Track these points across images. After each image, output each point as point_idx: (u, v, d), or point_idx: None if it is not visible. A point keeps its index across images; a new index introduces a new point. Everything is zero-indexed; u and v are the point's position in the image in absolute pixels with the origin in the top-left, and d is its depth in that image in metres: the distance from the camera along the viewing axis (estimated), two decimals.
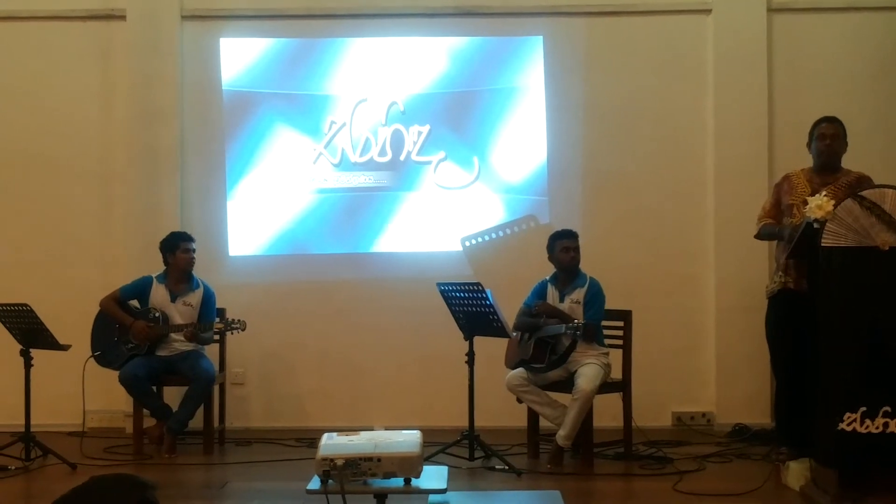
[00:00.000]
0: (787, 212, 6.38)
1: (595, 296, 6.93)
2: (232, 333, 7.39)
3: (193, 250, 7.47)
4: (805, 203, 5.75)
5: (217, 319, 7.52)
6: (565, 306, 6.93)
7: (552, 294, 7.04)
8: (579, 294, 6.94)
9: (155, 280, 7.44)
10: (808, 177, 6.33)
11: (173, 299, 7.37)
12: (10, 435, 7.01)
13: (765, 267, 8.00)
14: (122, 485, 2.73)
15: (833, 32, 8.26)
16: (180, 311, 7.38)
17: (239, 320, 7.23)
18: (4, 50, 8.45)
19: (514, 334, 6.97)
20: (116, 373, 7.21)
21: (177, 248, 7.41)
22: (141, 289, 7.44)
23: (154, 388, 7.36)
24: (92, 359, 7.28)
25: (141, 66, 8.28)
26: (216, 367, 7.49)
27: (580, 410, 6.65)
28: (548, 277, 7.11)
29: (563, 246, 7.01)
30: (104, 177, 8.41)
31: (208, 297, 7.49)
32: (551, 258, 7.08)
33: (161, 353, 7.34)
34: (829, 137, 6.33)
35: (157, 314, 7.31)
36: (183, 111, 8.35)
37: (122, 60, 8.36)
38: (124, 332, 7.31)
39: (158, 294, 7.40)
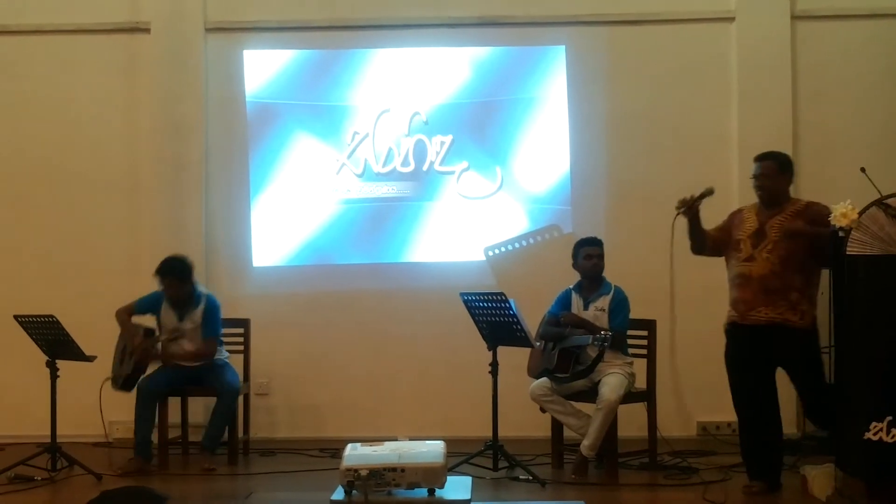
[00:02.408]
0: (735, 246, 6.17)
1: (620, 304, 6.92)
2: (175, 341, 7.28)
3: (177, 285, 7.24)
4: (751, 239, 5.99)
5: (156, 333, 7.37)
6: (589, 314, 6.91)
7: (576, 302, 7.02)
8: (604, 302, 6.92)
9: (165, 299, 7.37)
10: (756, 211, 6.15)
11: (181, 318, 7.31)
12: (37, 446, 7.05)
13: None
14: (135, 498, 2.74)
15: (857, 39, 8.22)
16: (188, 329, 7.31)
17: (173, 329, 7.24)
18: (31, 63, 8.52)
19: (538, 344, 6.96)
20: (137, 384, 7.21)
21: (161, 282, 7.27)
22: (153, 303, 7.37)
23: (179, 399, 7.39)
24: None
25: (165, 79, 8.33)
26: (240, 376, 7.49)
27: (604, 420, 6.63)
28: (572, 286, 7.10)
29: (586, 253, 7.01)
30: (130, 189, 8.46)
31: (208, 310, 7.33)
32: (575, 266, 7.07)
33: (183, 362, 7.33)
34: (759, 178, 6.13)
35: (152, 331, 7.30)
36: (207, 123, 8.39)
37: (147, 73, 8.41)
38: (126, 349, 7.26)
39: (167, 312, 7.34)
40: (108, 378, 7.22)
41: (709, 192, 6.14)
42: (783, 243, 5.93)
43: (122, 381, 7.17)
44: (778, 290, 5.94)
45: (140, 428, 7.11)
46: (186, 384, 7.33)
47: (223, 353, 7.48)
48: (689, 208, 6.15)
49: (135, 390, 7.19)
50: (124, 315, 7.34)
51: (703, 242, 6.30)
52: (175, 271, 7.23)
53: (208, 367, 7.30)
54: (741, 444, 6.37)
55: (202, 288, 7.45)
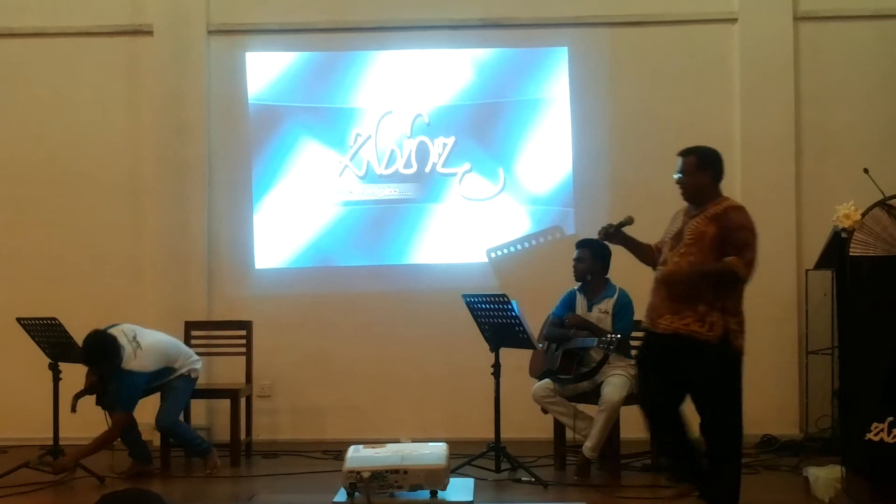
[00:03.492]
0: (659, 244, 5.89)
1: (624, 307, 6.90)
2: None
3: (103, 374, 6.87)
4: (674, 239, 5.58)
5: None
6: (593, 316, 6.91)
7: (581, 303, 7.02)
8: (608, 304, 6.91)
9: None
10: (686, 211, 5.79)
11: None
12: (39, 448, 7.06)
13: (793, 275, 7.97)
14: (137, 502, 2.72)
15: (860, 40, 8.21)
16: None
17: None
18: (34, 66, 8.53)
19: (541, 345, 6.96)
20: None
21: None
22: None
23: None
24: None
25: (168, 81, 8.34)
26: (244, 378, 7.44)
27: (607, 421, 6.63)
28: (577, 287, 7.10)
29: (574, 257, 7.04)
30: (132, 191, 8.47)
31: (122, 385, 6.85)
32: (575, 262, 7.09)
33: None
34: (679, 175, 5.73)
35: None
36: (210, 125, 8.40)
37: (150, 76, 8.42)
38: None
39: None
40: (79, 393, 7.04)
41: (628, 221, 5.84)
42: (695, 248, 5.45)
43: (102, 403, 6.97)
44: (684, 299, 5.42)
45: (127, 437, 7.01)
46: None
47: (192, 366, 7.17)
48: (608, 235, 5.87)
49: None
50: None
51: (648, 255, 5.88)
52: (84, 357, 6.79)
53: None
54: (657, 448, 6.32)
55: (131, 364, 6.85)
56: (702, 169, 5.61)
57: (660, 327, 5.51)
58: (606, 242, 6.15)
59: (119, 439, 6.95)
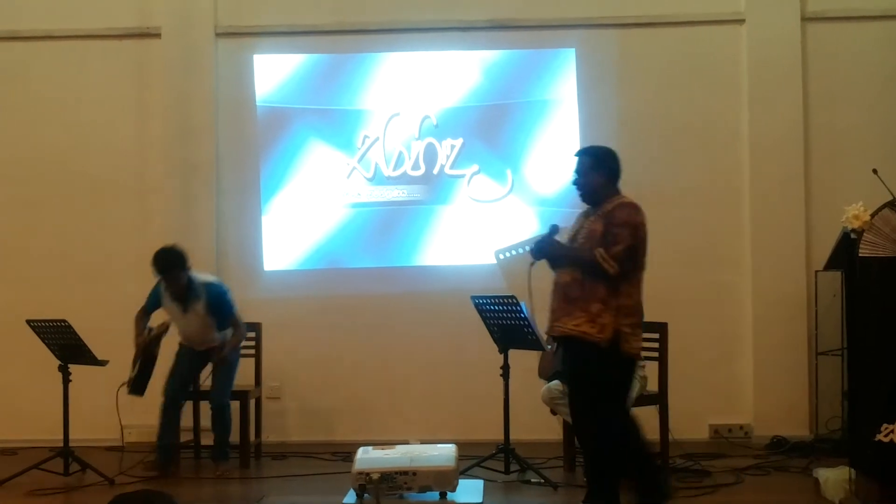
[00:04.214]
0: None
1: None
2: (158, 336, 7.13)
3: (175, 278, 7.08)
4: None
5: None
6: None
7: None
8: None
9: (162, 290, 7.26)
10: (584, 212, 5.78)
11: (184, 311, 7.20)
12: (49, 450, 7.06)
13: (802, 276, 7.96)
14: (149, 503, 2.73)
15: (868, 40, 8.19)
16: (193, 320, 7.21)
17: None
18: (42, 68, 8.55)
19: (549, 347, 6.95)
20: (153, 388, 7.21)
21: (160, 277, 7.14)
22: (156, 297, 7.28)
23: (192, 404, 7.42)
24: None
25: (176, 84, 8.35)
26: (254, 379, 7.45)
27: None
28: None
29: None
30: (141, 193, 8.48)
31: (213, 300, 7.19)
32: None
33: (193, 347, 7.30)
34: (574, 175, 5.76)
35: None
36: (218, 127, 8.41)
37: (158, 78, 8.43)
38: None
39: (170, 305, 7.23)
40: (124, 383, 7.21)
41: (164, 330, 5.88)
42: (587, 246, 5.44)
43: (131, 384, 7.10)
44: (578, 300, 5.41)
45: (164, 433, 7.16)
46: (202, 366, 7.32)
47: (236, 356, 7.40)
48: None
49: (158, 396, 7.20)
50: (137, 315, 7.29)
51: None
52: (157, 265, 7.07)
53: (213, 351, 7.23)
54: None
55: (204, 277, 7.30)
56: (597, 168, 5.63)
57: (557, 331, 5.54)
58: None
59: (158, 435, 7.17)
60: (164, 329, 7.17)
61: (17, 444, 7.98)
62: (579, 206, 8.14)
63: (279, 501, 6.41)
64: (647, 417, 6.92)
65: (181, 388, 7.26)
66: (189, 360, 7.31)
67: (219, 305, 7.21)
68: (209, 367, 7.28)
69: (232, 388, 7.29)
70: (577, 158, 5.71)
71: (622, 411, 5.49)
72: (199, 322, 7.23)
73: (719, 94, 8.28)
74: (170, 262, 7.06)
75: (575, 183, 5.69)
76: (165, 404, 7.20)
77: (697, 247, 8.21)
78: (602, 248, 5.33)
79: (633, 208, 5.51)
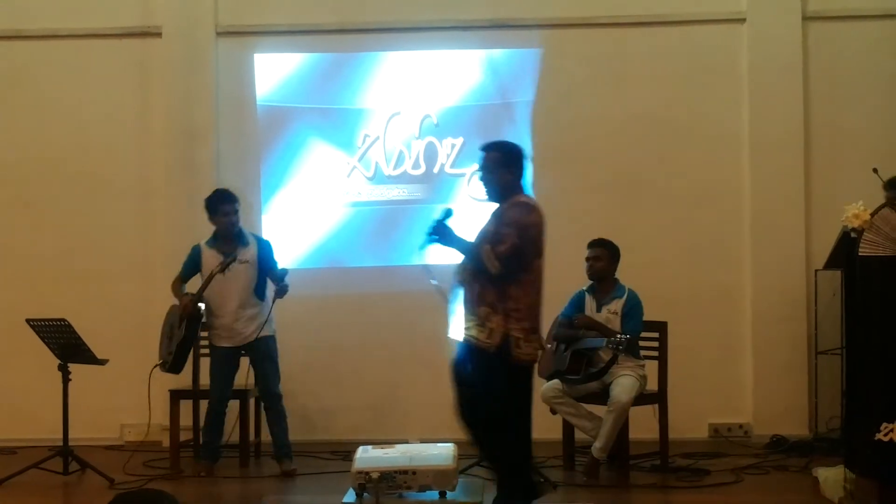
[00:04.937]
0: None
1: (634, 308, 6.90)
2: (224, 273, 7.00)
3: (235, 212, 7.14)
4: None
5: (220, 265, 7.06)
6: (602, 316, 6.90)
7: (589, 304, 7.01)
8: (617, 305, 6.90)
9: (204, 246, 7.21)
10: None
11: (226, 257, 7.06)
12: (49, 449, 7.07)
13: (802, 275, 7.96)
14: (151, 503, 2.74)
15: (869, 40, 8.19)
16: (237, 273, 7.09)
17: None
18: (43, 67, 8.55)
19: (549, 345, 6.95)
20: (149, 387, 7.19)
21: (217, 211, 7.13)
22: (194, 260, 7.23)
23: (191, 402, 7.39)
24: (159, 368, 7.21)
25: (177, 83, 8.35)
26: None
27: (615, 422, 6.62)
28: (585, 287, 7.09)
29: (586, 255, 7.01)
30: (142, 192, 8.48)
31: (263, 248, 7.21)
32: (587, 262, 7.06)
33: (224, 344, 7.16)
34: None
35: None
36: (219, 126, 8.41)
37: (159, 77, 8.44)
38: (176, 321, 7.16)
39: (210, 259, 7.13)
40: (157, 364, 7.17)
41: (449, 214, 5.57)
42: (476, 244, 5.35)
43: (169, 363, 7.07)
44: (469, 303, 5.33)
45: (209, 438, 7.13)
46: (236, 366, 7.23)
47: (272, 324, 7.28)
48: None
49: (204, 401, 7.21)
50: (175, 283, 7.24)
51: None
52: (216, 197, 7.16)
53: (250, 346, 7.18)
54: None
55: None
56: (507, 165, 5.43)
57: (457, 337, 5.43)
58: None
59: (203, 435, 7.18)
60: (224, 266, 6.99)
61: (17, 444, 7.98)
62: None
63: (279, 500, 6.42)
64: (646, 416, 6.96)
65: (225, 390, 7.16)
66: (226, 361, 7.19)
67: (269, 253, 7.20)
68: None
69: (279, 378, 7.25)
70: (483, 153, 5.49)
71: (514, 424, 5.29)
72: (242, 280, 7.10)
73: (720, 94, 8.28)
74: (228, 196, 7.14)
75: (482, 179, 5.49)
76: (212, 409, 7.14)
77: (697, 246, 8.20)
78: (488, 245, 5.23)
79: (526, 208, 5.34)
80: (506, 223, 5.27)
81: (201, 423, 7.49)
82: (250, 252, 7.16)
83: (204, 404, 7.41)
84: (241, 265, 7.09)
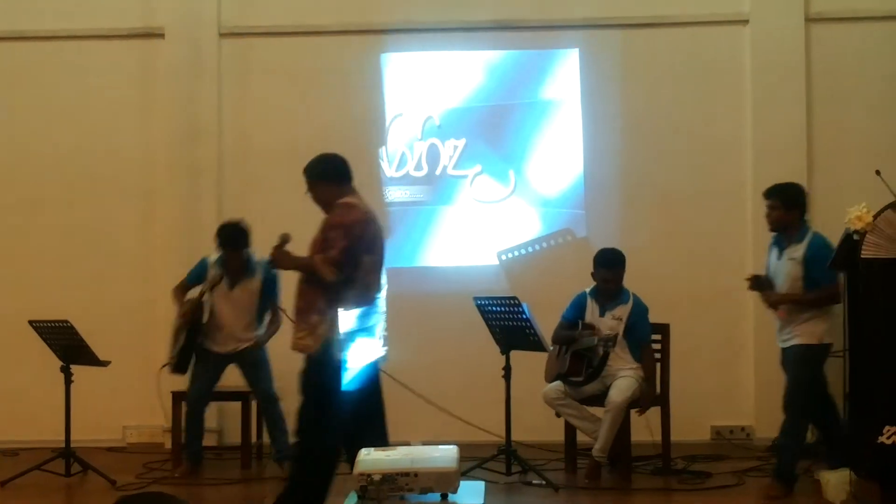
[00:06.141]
0: None
1: (641, 317, 6.91)
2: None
3: (239, 254, 7.11)
4: None
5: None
6: (606, 321, 6.88)
7: (591, 307, 7.00)
8: (622, 311, 6.88)
9: (212, 262, 7.23)
10: None
11: (231, 286, 7.16)
12: (51, 451, 7.07)
13: None
14: None
15: (871, 41, 8.19)
16: (238, 299, 7.16)
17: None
18: (46, 69, 8.55)
19: (552, 348, 6.95)
20: (155, 388, 7.21)
21: (223, 249, 7.14)
22: (199, 273, 7.25)
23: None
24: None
25: (180, 84, 8.35)
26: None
27: (613, 422, 6.62)
28: (588, 290, 7.07)
29: (602, 276, 6.93)
30: (145, 194, 8.48)
31: (267, 283, 7.17)
32: (593, 276, 7.02)
33: (218, 349, 7.20)
34: None
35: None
36: (221, 128, 8.40)
37: (162, 78, 8.43)
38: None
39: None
40: (164, 365, 7.20)
41: (286, 239, 5.49)
42: (307, 256, 5.36)
43: (174, 364, 7.11)
44: (301, 311, 5.35)
45: (190, 439, 7.16)
46: (221, 372, 7.25)
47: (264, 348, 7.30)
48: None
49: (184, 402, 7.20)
50: (177, 289, 7.28)
51: None
52: (225, 240, 7.14)
53: (241, 354, 7.19)
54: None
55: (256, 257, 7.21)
56: (322, 177, 5.47)
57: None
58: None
59: (185, 440, 7.17)
60: (212, 286, 7.09)
61: (19, 445, 7.97)
62: (583, 208, 8.24)
63: None
64: (648, 419, 6.95)
65: (203, 389, 7.19)
66: (212, 364, 7.22)
67: (273, 285, 7.17)
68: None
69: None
70: (305, 176, 5.52)
71: (327, 426, 5.33)
72: (244, 302, 7.17)
73: (722, 95, 8.28)
74: (237, 238, 7.11)
75: (310, 194, 5.51)
76: (190, 408, 7.17)
77: (700, 248, 8.19)
78: (320, 255, 5.23)
79: (346, 208, 5.35)
80: (330, 227, 5.30)
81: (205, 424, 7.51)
82: (254, 283, 7.18)
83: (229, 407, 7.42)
84: (240, 293, 7.15)
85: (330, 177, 5.48)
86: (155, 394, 7.33)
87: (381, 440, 5.47)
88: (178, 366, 7.12)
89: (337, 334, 5.23)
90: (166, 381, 7.35)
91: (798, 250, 6.21)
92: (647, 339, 6.90)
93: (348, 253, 5.23)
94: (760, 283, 6.43)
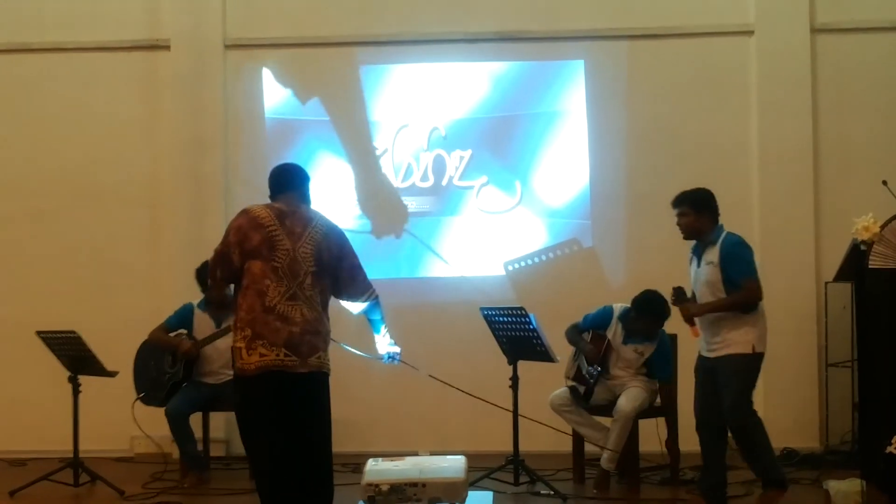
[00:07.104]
0: None
1: (662, 356, 6.89)
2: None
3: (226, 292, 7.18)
4: None
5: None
6: (628, 351, 6.85)
7: (616, 330, 6.91)
8: (646, 349, 6.85)
9: (196, 308, 7.32)
10: None
11: (218, 325, 7.26)
12: (59, 461, 7.07)
13: (812, 288, 7.94)
14: None
15: (877, 52, 8.20)
16: (228, 338, 7.29)
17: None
18: (52, 80, 8.58)
19: (559, 359, 6.93)
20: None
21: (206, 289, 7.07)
22: (183, 317, 7.32)
23: (201, 414, 7.39)
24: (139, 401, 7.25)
25: (185, 95, 8.38)
26: None
27: (621, 432, 6.62)
28: (618, 311, 6.96)
29: (644, 324, 6.79)
30: (150, 205, 8.50)
31: None
32: (626, 316, 6.88)
33: (207, 380, 7.29)
34: None
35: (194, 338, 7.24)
36: (227, 139, 8.43)
37: (167, 90, 8.46)
38: (163, 361, 7.24)
39: (202, 323, 7.27)
40: (137, 398, 7.21)
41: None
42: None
43: (164, 394, 7.15)
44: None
45: (184, 448, 7.15)
46: (209, 401, 7.28)
47: None
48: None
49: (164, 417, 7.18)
50: (157, 332, 7.30)
51: None
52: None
53: (230, 384, 7.22)
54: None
55: None
56: (270, 188, 5.49)
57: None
58: None
59: (180, 452, 7.21)
60: (220, 334, 7.10)
61: (27, 455, 7.98)
62: (589, 218, 8.24)
63: None
64: (656, 429, 6.94)
65: (183, 407, 7.14)
66: (202, 392, 7.24)
67: None
68: None
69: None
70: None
71: (254, 441, 5.20)
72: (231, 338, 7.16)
73: (728, 106, 8.29)
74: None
75: None
76: (170, 422, 7.13)
77: None
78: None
79: (241, 213, 5.28)
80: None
81: (211, 434, 7.50)
82: None
83: (212, 416, 7.41)
84: (229, 327, 7.08)
85: (271, 188, 5.49)
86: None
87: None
88: (164, 399, 7.15)
89: (237, 342, 5.05)
90: None
91: (714, 253, 6.05)
92: (666, 379, 6.85)
93: (218, 258, 5.22)
94: (680, 297, 6.10)
